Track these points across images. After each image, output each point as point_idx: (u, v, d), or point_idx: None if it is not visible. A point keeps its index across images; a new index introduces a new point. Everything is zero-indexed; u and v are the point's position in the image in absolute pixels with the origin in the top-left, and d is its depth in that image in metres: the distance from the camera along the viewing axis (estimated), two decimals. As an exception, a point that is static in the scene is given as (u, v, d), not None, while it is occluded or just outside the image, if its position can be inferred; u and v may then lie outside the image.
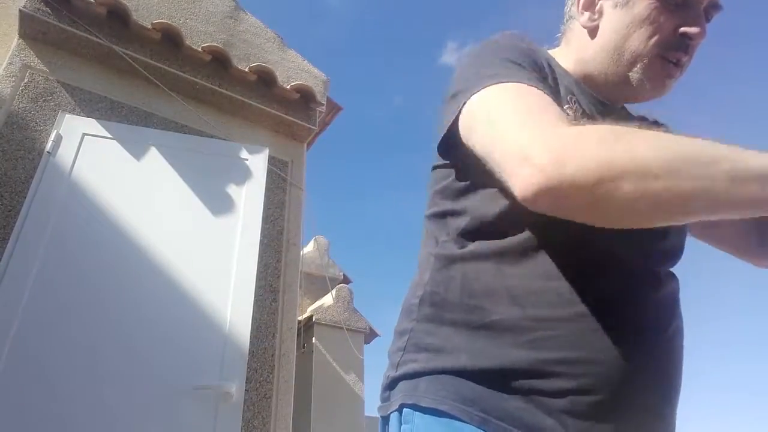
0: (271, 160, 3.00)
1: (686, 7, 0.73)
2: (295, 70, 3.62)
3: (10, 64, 2.61)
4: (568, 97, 0.75)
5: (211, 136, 2.99)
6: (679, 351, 0.69)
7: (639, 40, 0.74)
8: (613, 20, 0.77)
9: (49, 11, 2.68)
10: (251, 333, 2.43)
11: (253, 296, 2.49)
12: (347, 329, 4.68)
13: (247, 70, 3.21)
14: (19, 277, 2.12)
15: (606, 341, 0.62)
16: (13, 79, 2.57)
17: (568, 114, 0.70)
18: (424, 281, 0.75)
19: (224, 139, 3.00)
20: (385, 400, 0.74)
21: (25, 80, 2.60)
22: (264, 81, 3.25)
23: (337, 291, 4.89)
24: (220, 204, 2.66)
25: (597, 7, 0.80)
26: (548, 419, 0.60)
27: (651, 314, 0.66)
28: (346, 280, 5.90)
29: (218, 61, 3.12)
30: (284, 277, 2.90)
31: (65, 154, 2.47)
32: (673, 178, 0.51)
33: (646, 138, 0.55)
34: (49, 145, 2.46)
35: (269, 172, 2.94)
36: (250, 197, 2.74)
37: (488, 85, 0.66)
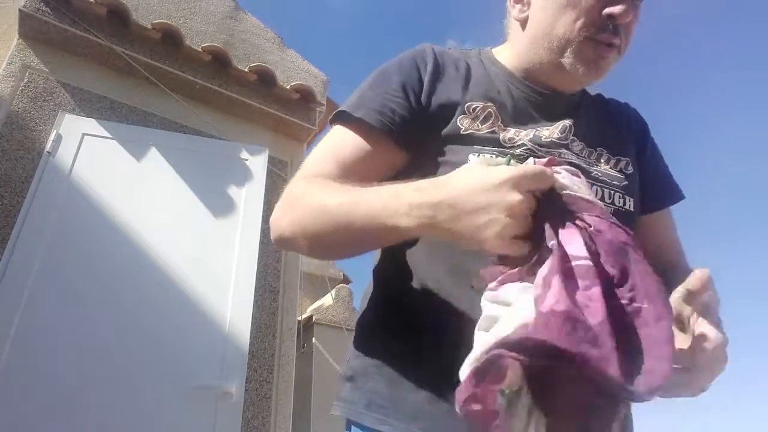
0: (271, 160, 3.00)
1: None
2: (294, 70, 3.62)
3: (10, 64, 2.61)
4: (474, 107, 0.76)
5: (211, 136, 2.99)
6: None
7: (565, 25, 0.75)
8: (539, 9, 0.79)
9: (49, 11, 2.68)
10: (251, 333, 2.43)
11: (253, 296, 2.49)
12: (347, 329, 4.67)
13: (247, 70, 3.21)
14: (19, 277, 2.12)
15: None
16: (13, 79, 2.57)
17: (461, 126, 0.74)
18: None
19: (224, 139, 3.00)
20: None
21: (25, 80, 2.60)
22: (264, 81, 3.25)
23: (337, 291, 4.89)
24: (220, 204, 2.65)
25: None
26: None
27: None
28: (346, 280, 5.90)
29: (218, 61, 3.12)
30: (284, 277, 2.90)
31: (65, 154, 2.47)
32: (326, 238, 0.66)
33: (310, 207, 0.67)
34: (48, 145, 2.46)
35: (269, 172, 2.93)
36: (250, 197, 2.74)
37: (336, 125, 0.78)
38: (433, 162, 0.72)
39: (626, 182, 0.78)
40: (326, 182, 0.69)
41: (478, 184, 0.53)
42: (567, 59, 0.76)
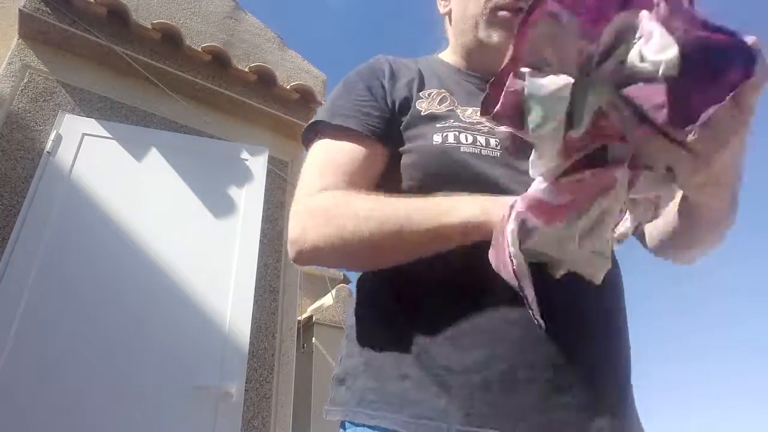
0: (271, 160, 3.00)
1: None
2: (294, 70, 3.62)
3: (10, 64, 2.61)
4: (429, 92, 0.79)
5: (211, 136, 2.99)
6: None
7: (474, 4, 0.81)
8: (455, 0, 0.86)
9: (49, 11, 2.68)
10: (251, 333, 2.43)
11: (253, 296, 2.49)
12: (347, 329, 4.67)
13: (246, 70, 3.21)
14: (19, 277, 2.12)
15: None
16: (13, 79, 2.57)
17: (420, 108, 0.76)
18: None
19: (224, 140, 3.00)
20: None
21: (25, 80, 2.60)
22: (264, 81, 3.25)
23: (337, 291, 4.89)
24: (220, 204, 2.65)
25: None
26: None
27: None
28: (346, 280, 5.90)
29: (218, 61, 3.12)
30: (284, 277, 2.90)
31: (65, 154, 2.47)
32: (376, 245, 0.63)
33: (354, 216, 0.64)
34: (48, 145, 2.46)
35: (269, 172, 2.93)
36: (250, 197, 2.74)
37: (318, 140, 0.77)
38: (399, 150, 0.74)
39: None
40: (352, 192, 0.68)
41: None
42: (482, 32, 0.80)
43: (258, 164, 2.85)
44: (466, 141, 0.71)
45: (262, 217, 2.75)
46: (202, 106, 3.10)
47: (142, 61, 2.88)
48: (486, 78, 0.79)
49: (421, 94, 0.78)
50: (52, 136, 2.49)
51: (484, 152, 0.70)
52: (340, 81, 0.84)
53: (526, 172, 0.55)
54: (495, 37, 0.79)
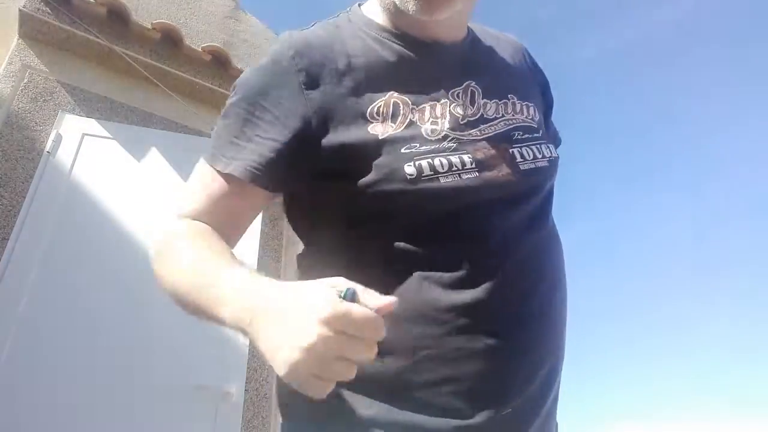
0: (271, 160, 2.99)
1: None
2: (295, 70, 3.62)
3: (10, 64, 2.61)
4: (378, 107, 0.69)
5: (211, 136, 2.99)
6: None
7: None
8: None
9: (49, 11, 2.68)
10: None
11: (253, 296, 2.49)
12: (347, 329, 4.67)
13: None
14: (19, 277, 2.12)
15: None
16: (13, 79, 2.57)
17: (376, 134, 0.67)
18: None
19: (224, 139, 3.00)
20: None
21: (25, 80, 2.60)
22: (264, 81, 3.24)
23: (337, 291, 4.90)
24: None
25: None
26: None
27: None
28: (346, 280, 5.91)
29: (218, 61, 3.12)
30: (284, 277, 2.88)
31: (65, 154, 2.47)
32: (177, 300, 0.70)
33: (169, 272, 0.70)
34: (48, 145, 2.46)
35: (269, 172, 2.93)
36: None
37: (205, 160, 0.74)
38: (364, 185, 0.65)
39: (541, 131, 0.77)
40: (188, 242, 0.68)
41: (297, 305, 0.48)
42: (400, 3, 0.72)
43: (258, 164, 2.85)
44: (443, 169, 0.65)
45: (262, 217, 2.75)
46: (202, 106, 3.09)
47: (142, 61, 2.87)
48: (423, 41, 0.75)
49: (368, 114, 0.68)
50: (52, 136, 2.49)
51: (464, 177, 0.65)
52: (237, 82, 0.74)
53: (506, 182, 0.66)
54: (410, 5, 0.70)
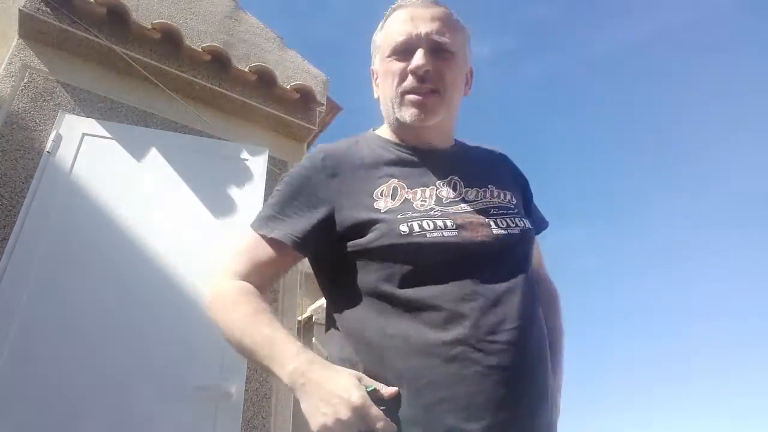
0: (271, 160, 3.00)
1: (409, 52, 0.96)
2: (295, 70, 3.62)
3: (10, 64, 2.61)
4: (381, 190, 0.92)
5: (211, 137, 2.99)
6: None
7: (390, 88, 0.98)
8: (381, 84, 1.03)
9: (49, 11, 2.68)
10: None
11: (253, 296, 2.49)
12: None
13: (247, 70, 3.21)
14: (19, 277, 2.12)
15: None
16: (13, 79, 2.57)
17: (379, 208, 0.89)
18: None
19: (224, 140, 3.00)
20: None
21: (25, 80, 2.60)
22: (264, 81, 3.25)
23: (336, 291, 4.88)
24: (220, 204, 2.65)
25: (375, 80, 1.07)
26: None
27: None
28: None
29: (218, 61, 3.12)
30: (284, 277, 2.89)
31: (65, 153, 2.47)
32: (230, 341, 0.88)
33: (226, 321, 0.88)
34: (48, 145, 2.46)
35: (269, 172, 2.93)
36: (250, 197, 2.73)
37: (251, 228, 0.98)
38: (369, 242, 0.86)
39: (515, 207, 0.98)
40: (241, 298, 0.89)
41: (334, 387, 0.73)
42: (398, 113, 0.98)
43: (258, 164, 2.85)
44: (429, 227, 0.86)
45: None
46: (202, 106, 3.10)
47: (142, 61, 2.88)
48: (420, 149, 1.00)
49: (375, 193, 0.91)
50: (52, 136, 2.49)
51: (446, 235, 0.85)
52: (287, 179, 0.98)
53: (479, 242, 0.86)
54: (406, 117, 0.96)
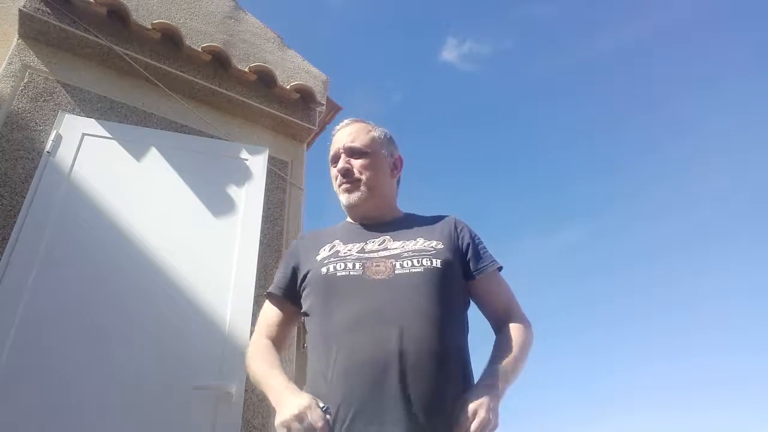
0: (271, 160, 3.00)
1: (337, 160, 1.40)
2: (294, 70, 3.62)
3: (10, 64, 2.61)
4: (325, 246, 1.33)
5: (211, 136, 2.99)
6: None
7: (335, 187, 1.43)
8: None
9: (49, 11, 2.68)
10: (251, 333, 2.42)
11: (253, 296, 2.49)
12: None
13: (246, 70, 3.21)
14: (19, 277, 2.12)
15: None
16: (13, 79, 2.57)
17: (321, 255, 1.31)
18: None
19: (224, 139, 3.00)
20: None
21: (25, 80, 2.60)
22: (264, 81, 3.25)
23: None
24: (219, 204, 2.65)
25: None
26: None
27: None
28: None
29: (218, 61, 3.12)
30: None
31: (65, 153, 2.47)
32: (255, 385, 1.33)
33: (255, 367, 1.28)
34: (48, 145, 2.46)
35: (269, 172, 2.93)
36: (249, 197, 2.73)
37: (266, 300, 1.41)
38: (307, 283, 1.30)
39: (435, 251, 1.24)
40: (259, 351, 1.30)
41: (294, 401, 1.13)
42: (340, 200, 1.41)
43: (258, 164, 2.85)
44: (340, 268, 1.23)
45: (262, 216, 2.75)
46: (202, 106, 3.10)
47: (142, 61, 2.88)
48: (366, 223, 1.38)
49: (320, 249, 1.31)
50: (52, 136, 2.49)
51: (352, 273, 1.21)
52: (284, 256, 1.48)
53: (377, 280, 1.19)
54: (343, 201, 1.40)
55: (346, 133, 1.41)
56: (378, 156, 1.40)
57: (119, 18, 2.85)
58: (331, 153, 1.43)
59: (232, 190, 2.72)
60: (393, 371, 1.06)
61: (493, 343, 1.26)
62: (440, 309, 1.16)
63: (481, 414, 1.04)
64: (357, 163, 1.36)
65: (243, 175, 2.79)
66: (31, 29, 2.68)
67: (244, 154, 2.86)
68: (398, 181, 1.48)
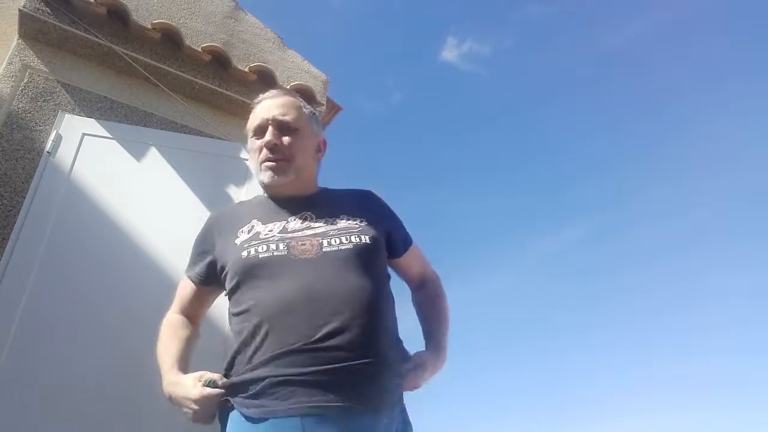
0: (271, 160, 2.99)
1: (263, 132, 1.31)
2: (295, 70, 3.62)
3: (10, 64, 2.61)
4: (243, 229, 1.27)
5: (211, 136, 2.99)
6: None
7: (254, 161, 1.35)
8: (250, 157, 1.40)
9: (49, 11, 2.68)
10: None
11: (253, 296, 2.49)
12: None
13: (247, 70, 3.21)
14: (19, 277, 2.12)
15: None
16: (13, 79, 2.57)
17: (240, 237, 1.26)
18: None
19: (224, 139, 3.00)
20: None
21: (25, 80, 2.60)
22: (264, 81, 3.25)
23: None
24: (220, 204, 2.64)
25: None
26: None
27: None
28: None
29: (218, 61, 3.12)
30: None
31: (65, 154, 2.47)
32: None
33: (159, 344, 1.32)
34: (48, 145, 2.46)
35: (269, 172, 2.93)
36: (250, 197, 2.73)
37: (184, 275, 1.41)
38: (227, 266, 1.24)
39: (361, 228, 1.24)
40: (169, 328, 1.36)
41: (181, 393, 1.16)
42: (259, 177, 1.34)
43: (258, 164, 2.85)
44: (263, 250, 1.18)
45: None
46: (202, 106, 3.10)
47: (142, 61, 2.88)
48: (281, 199, 1.32)
49: (238, 232, 1.25)
50: (52, 136, 2.49)
51: (276, 253, 1.17)
52: (197, 235, 1.38)
53: (301, 258, 1.16)
54: (265, 179, 1.31)
55: (277, 105, 1.33)
56: (307, 135, 1.34)
57: (119, 18, 2.85)
58: (257, 123, 1.32)
59: (232, 190, 2.72)
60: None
61: (419, 303, 1.43)
62: (372, 285, 1.16)
63: (420, 373, 1.23)
64: (286, 140, 1.29)
65: (243, 176, 2.79)
66: (31, 29, 2.68)
67: (244, 154, 2.86)
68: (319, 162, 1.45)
